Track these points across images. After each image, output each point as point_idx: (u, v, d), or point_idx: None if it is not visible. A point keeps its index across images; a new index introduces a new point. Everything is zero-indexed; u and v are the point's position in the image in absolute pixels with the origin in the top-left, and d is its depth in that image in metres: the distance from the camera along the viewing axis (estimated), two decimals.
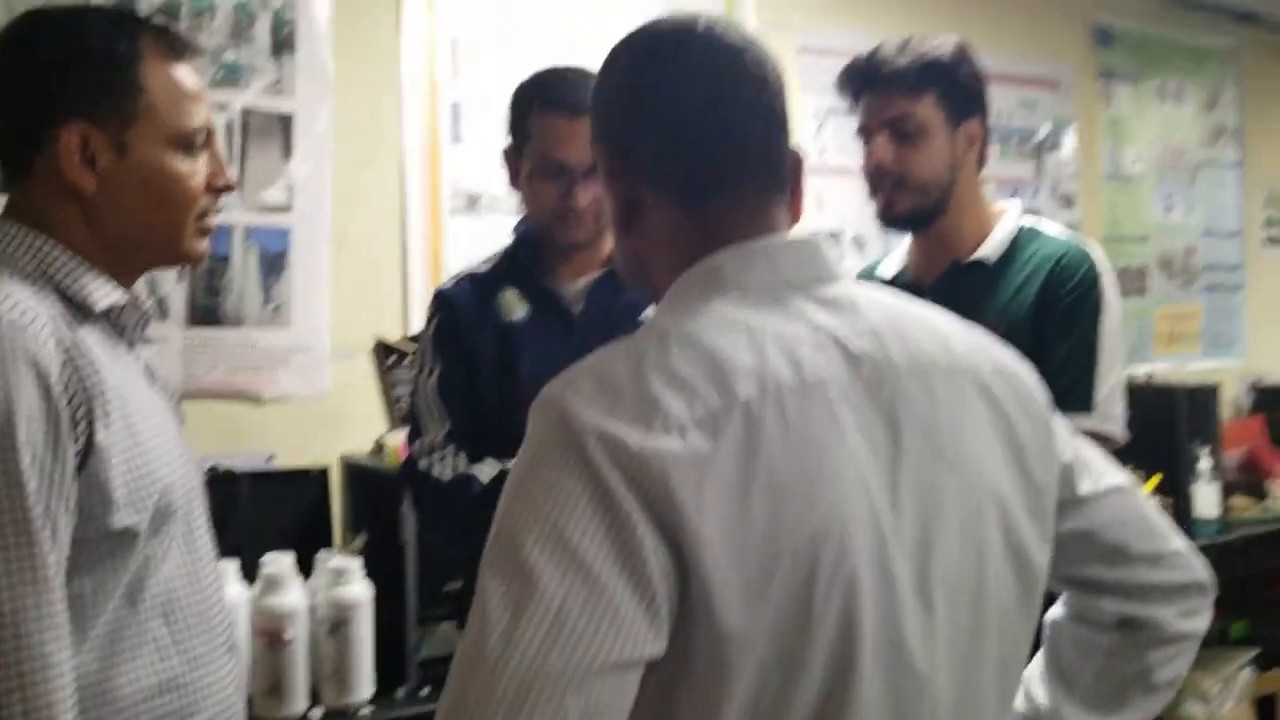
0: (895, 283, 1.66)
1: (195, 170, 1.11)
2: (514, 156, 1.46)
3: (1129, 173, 3.74)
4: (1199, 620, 0.95)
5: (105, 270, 1.08)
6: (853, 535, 0.69)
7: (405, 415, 1.56)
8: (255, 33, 2.28)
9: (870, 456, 0.72)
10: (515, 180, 1.47)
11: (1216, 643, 2.95)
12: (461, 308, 1.49)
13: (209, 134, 1.14)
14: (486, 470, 1.41)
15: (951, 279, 1.58)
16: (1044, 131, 3.50)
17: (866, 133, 1.57)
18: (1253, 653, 2.97)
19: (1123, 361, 1.52)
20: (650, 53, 0.84)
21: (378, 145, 2.43)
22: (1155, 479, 2.67)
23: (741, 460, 0.67)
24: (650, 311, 0.85)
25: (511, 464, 1.36)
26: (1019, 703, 0.96)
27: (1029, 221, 1.61)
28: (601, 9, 2.70)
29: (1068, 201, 3.59)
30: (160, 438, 1.07)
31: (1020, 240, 1.57)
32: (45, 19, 1.10)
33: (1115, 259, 3.61)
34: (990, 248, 1.56)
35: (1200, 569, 0.95)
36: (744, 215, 0.81)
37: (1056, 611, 1.00)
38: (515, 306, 1.48)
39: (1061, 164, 3.57)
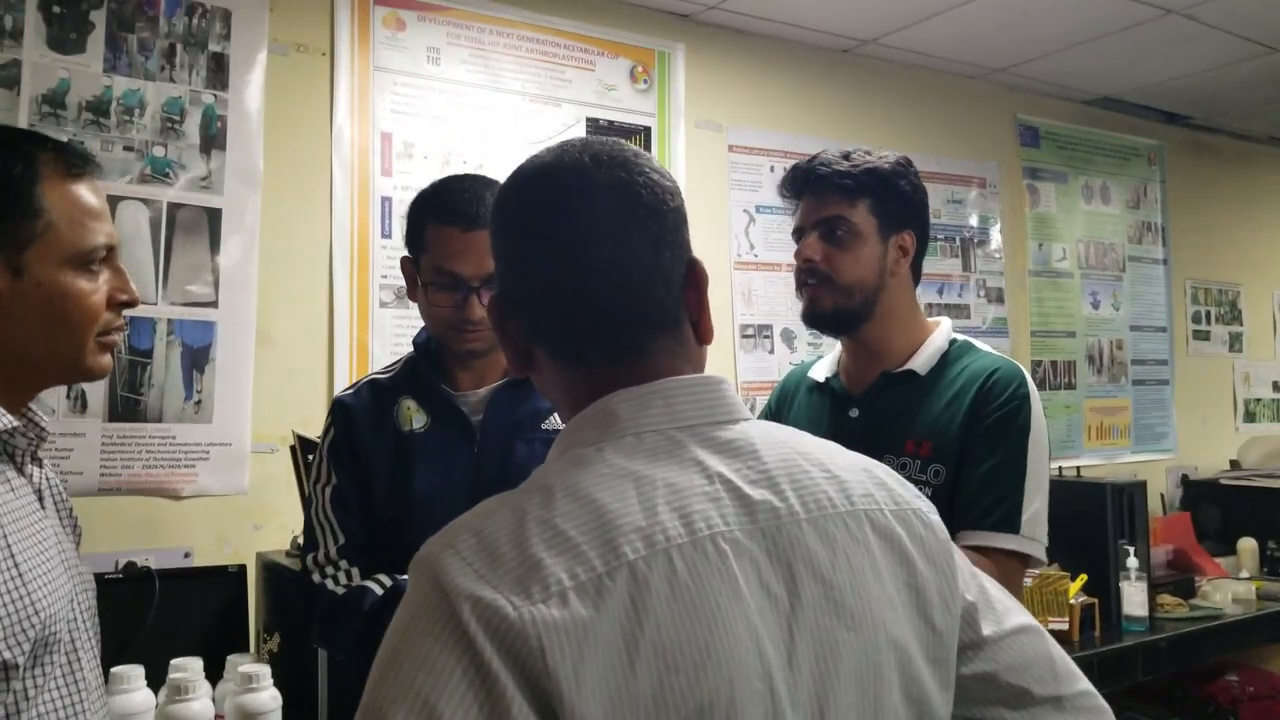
0: (826, 387, 1.67)
1: (96, 288, 1.10)
2: (411, 267, 1.47)
3: (1056, 269, 3.85)
4: None
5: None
6: (742, 704, 0.66)
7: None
8: (185, 129, 2.30)
9: (767, 611, 0.69)
10: (412, 290, 1.47)
11: None
12: (360, 416, 1.47)
13: (111, 249, 1.12)
14: (379, 585, 1.38)
15: (881, 388, 1.58)
16: (971, 228, 3.61)
17: (800, 233, 1.59)
18: None
19: (1047, 484, 1.50)
20: (515, 213, 0.82)
21: (306, 240, 2.45)
22: (1082, 578, 2.68)
23: (627, 627, 0.64)
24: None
25: (402, 580, 1.36)
26: None
27: (961, 337, 1.62)
28: (530, 108, 2.77)
29: (995, 297, 3.67)
30: (45, 566, 1.04)
31: (951, 355, 1.57)
32: None
33: (1043, 353, 3.73)
34: (921, 359, 1.56)
35: (1106, 711, 0.92)
36: (629, 361, 0.78)
37: None
38: (414, 416, 1.47)
39: (989, 260, 3.67)
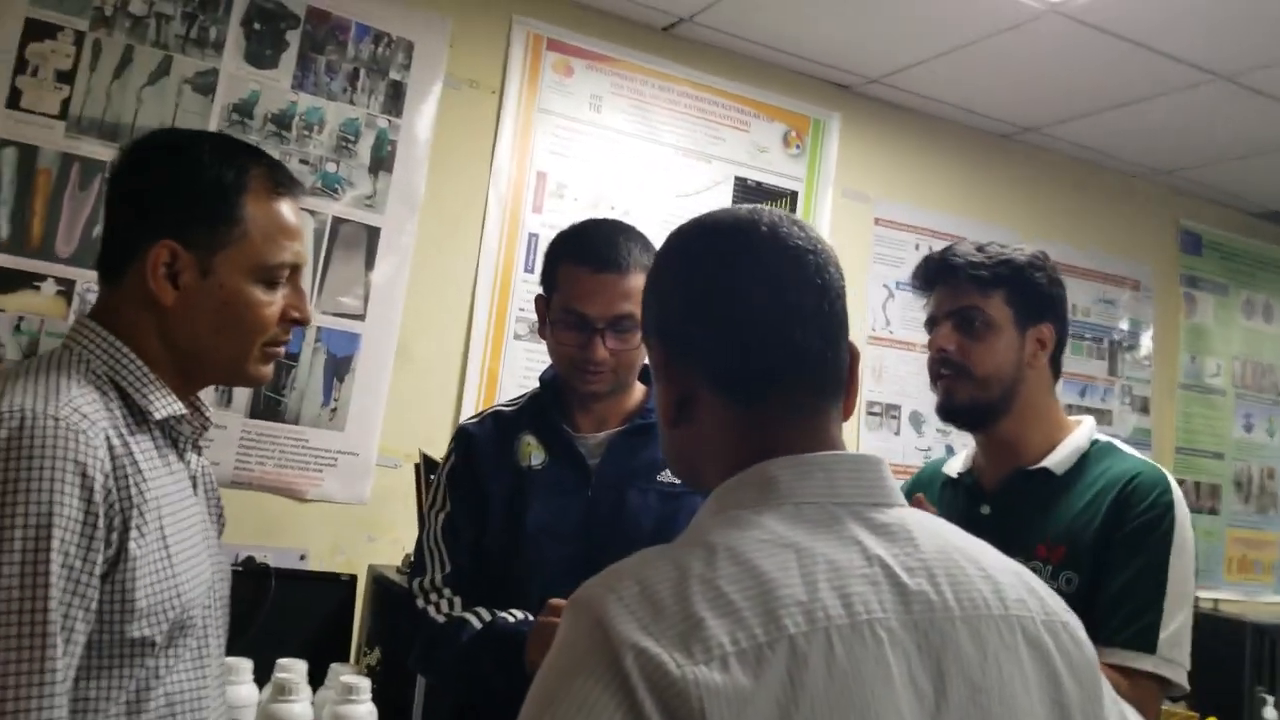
0: (959, 483, 1.62)
1: (272, 301, 1.14)
2: (543, 305, 1.49)
3: (1208, 384, 3.65)
4: None
5: (170, 380, 1.11)
6: None
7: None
8: (357, 149, 2.41)
9: (913, 706, 0.68)
10: (543, 328, 1.50)
11: None
12: (481, 446, 1.49)
13: (296, 268, 1.17)
14: (478, 619, 1.39)
15: (1015, 485, 1.52)
16: (1120, 330, 3.47)
17: (933, 323, 1.56)
18: None
19: (1191, 600, 1.40)
20: (711, 252, 0.83)
21: (454, 265, 2.52)
22: None
23: (783, 702, 0.63)
24: (699, 511, 0.81)
25: (501, 616, 1.35)
26: None
27: (1104, 438, 1.54)
28: (681, 162, 2.80)
29: (1140, 406, 3.50)
30: (191, 551, 1.09)
31: (1092, 455, 1.50)
32: (164, 141, 1.17)
33: (1187, 472, 3.52)
34: (1058, 458, 1.50)
35: None
36: (799, 423, 0.79)
37: None
38: (533, 452, 1.48)
39: (1137, 366, 3.51)
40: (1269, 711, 2.52)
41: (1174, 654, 1.35)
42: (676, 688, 0.62)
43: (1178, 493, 1.44)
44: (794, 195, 2.94)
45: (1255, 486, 3.70)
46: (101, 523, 0.97)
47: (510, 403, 1.57)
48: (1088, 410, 3.30)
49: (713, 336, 0.81)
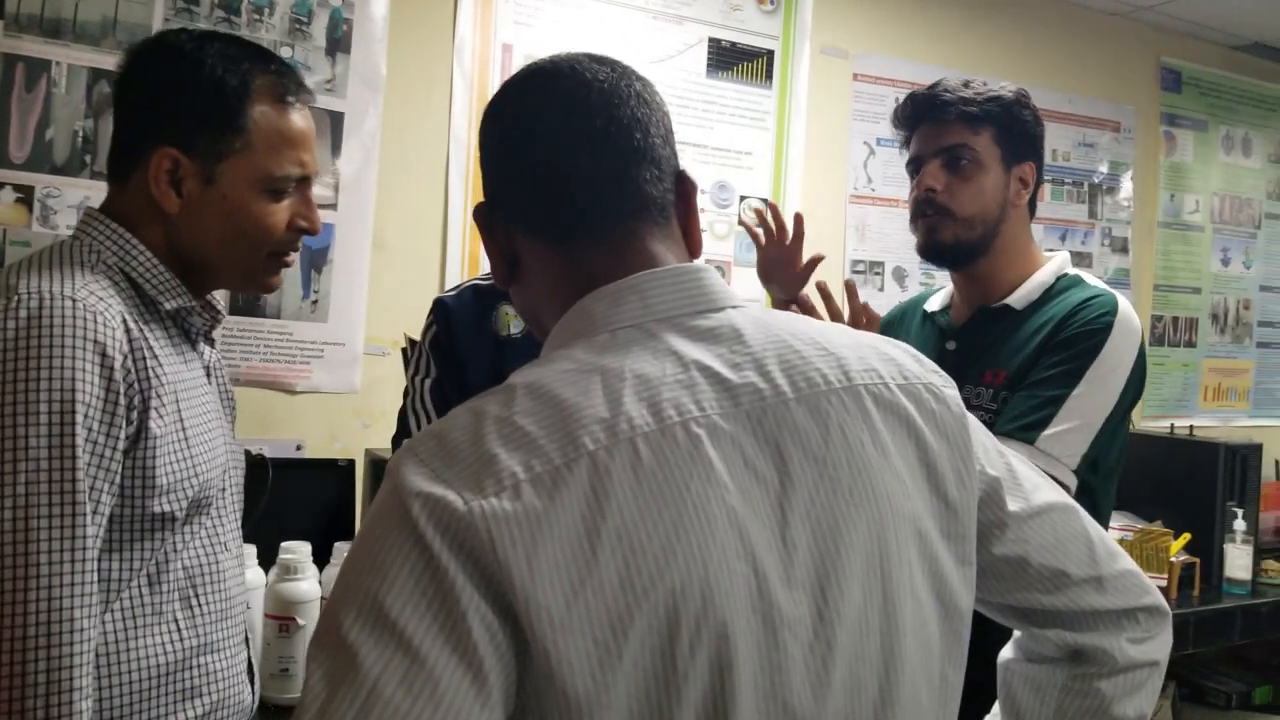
0: (933, 319, 1.64)
1: (277, 211, 1.14)
2: None
3: (1187, 221, 3.66)
4: (1154, 646, 0.88)
5: (179, 276, 1.12)
6: (720, 583, 0.64)
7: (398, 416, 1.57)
8: (312, 30, 2.32)
9: (754, 493, 0.68)
10: None
11: (1239, 706, 2.91)
12: (460, 317, 1.51)
13: (305, 179, 1.16)
14: None
15: (977, 323, 1.55)
16: (1101, 173, 3.45)
17: (918, 163, 1.54)
18: None
19: (1101, 420, 1.41)
20: (508, 105, 0.82)
21: (424, 148, 2.47)
22: (1185, 537, 2.62)
23: (588, 516, 0.63)
24: None
25: None
26: None
27: (1074, 271, 1.55)
28: (652, 25, 2.71)
29: (1120, 247, 3.52)
30: (206, 435, 1.12)
31: (1056, 289, 1.51)
32: (168, 45, 1.14)
33: (1165, 308, 3.58)
34: (1021, 294, 1.51)
35: (1152, 591, 0.89)
36: (613, 252, 0.77)
37: (1006, 653, 0.96)
38: (511, 322, 1.51)
39: (1117, 208, 3.50)
40: (1238, 523, 2.65)
41: (1054, 449, 1.37)
42: (464, 522, 0.62)
43: (1126, 321, 1.44)
44: (770, 55, 2.86)
45: (1231, 318, 3.75)
46: (122, 401, 0.99)
47: (485, 276, 1.58)
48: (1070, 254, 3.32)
49: (516, 185, 0.80)
